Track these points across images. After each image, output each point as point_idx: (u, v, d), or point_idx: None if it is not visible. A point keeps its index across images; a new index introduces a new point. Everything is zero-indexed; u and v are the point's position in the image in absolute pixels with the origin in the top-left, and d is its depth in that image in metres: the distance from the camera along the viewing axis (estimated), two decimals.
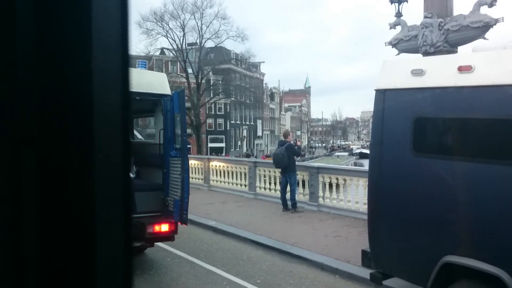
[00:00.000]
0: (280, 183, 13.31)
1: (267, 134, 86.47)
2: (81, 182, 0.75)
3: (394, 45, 10.17)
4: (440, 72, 5.25)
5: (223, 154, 58.68)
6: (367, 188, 6.95)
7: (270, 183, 14.79)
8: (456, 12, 9.50)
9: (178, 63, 51.12)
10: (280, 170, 12.81)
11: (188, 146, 9.77)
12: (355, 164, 56.06)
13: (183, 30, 46.04)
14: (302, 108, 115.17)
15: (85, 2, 0.73)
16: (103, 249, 0.77)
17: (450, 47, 9.12)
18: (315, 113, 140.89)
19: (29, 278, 0.74)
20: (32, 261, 0.74)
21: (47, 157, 0.74)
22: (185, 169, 7.29)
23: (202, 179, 17.74)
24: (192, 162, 17.22)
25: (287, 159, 12.15)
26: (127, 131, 0.83)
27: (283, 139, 13.06)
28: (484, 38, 8.67)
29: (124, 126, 0.80)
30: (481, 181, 4.74)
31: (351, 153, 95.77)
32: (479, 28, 8.64)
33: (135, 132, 10.69)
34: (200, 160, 18.46)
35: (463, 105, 4.99)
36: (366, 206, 6.87)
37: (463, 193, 4.91)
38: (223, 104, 65.79)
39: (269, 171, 14.75)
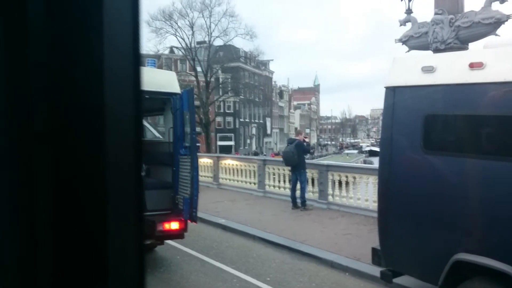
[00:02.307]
0: (289, 181, 13.32)
1: (276, 132, 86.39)
2: (93, 180, 0.76)
3: (404, 42, 10.11)
4: (451, 69, 5.21)
5: (232, 152, 58.74)
6: (377, 185, 6.92)
7: (279, 181, 14.78)
8: (467, 8, 9.43)
9: (187, 62, 51.21)
10: (289, 168, 12.81)
11: (198, 144, 9.79)
12: (365, 162, 55.85)
13: (192, 29, 46.11)
14: (311, 106, 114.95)
15: (97, 1, 0.73)
16: (116, 246, 0.78)
17: (461, 43, 9.05)
18: (324, 111, 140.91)
19: (42, 275, 0.75)
20: (44, 257, 0.75)
21: (60, 155, 0.75)
22: (195, 167, 7.31)
23: (211, 177, 17.78)
24: (202, 160, 17.26)
25: (297, 157, 12.15)
26: (139, 129, 0.83)
27: (293, 137, 13.07)
28: (496, 35, 8.60)
29: (136, 124, 0.81)
30: (493, 178, 4.71)
31: (361, 151, 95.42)
32: (490, 25, 8.57)
33: (153, 130, 10.72)
34: (210, 158, 18.51)
35: (474, 102, 4.95)
36: (376, 204, 6.85)
37: (474, 190, 4.88)
38: (232, 102, 65.85)
39: (278, 169, 14.74)
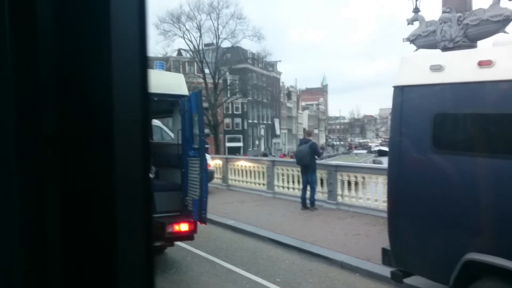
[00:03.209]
0: (298, 181, 13.32)
1: (285, 133, 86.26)
2: (102, 182, 0.76)
3: (412, 41, 10.07)
4: (459, 67, 5.18)
5: (241, 153, 58.73)
6: (386, 185, 6.89)
7: (288, 182, 14.76)
8: (475, 6, 9.37)
9: (195, 64, 51.34)
10: (300, 168, 12.79)
11: (206, 146, 9.81)
12: (374, 162, 55.58)
13: (200, 31, 46.25)
14: (320, 106, 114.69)
15: (104, 5, 0.74)
16: (125, 248, 0.78)
17: (469, 42, 8.99)
18: (332, 111, 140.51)
19: (52, 277, 0.76)
20: (54, 259, 0.75)
21: (68, 157, 0.76)
22: (203, 168, 7.32)
23: (220, 179, 17.80)
24: (211, 162, 17.28)
25: (309, 157, 12.19)
26: (146, 131, 0.84)
27: (306, 138, 13.09)
28: (505, 32, 8.53)
29: (143, 126, 0.81)
30: (503, 177, 4.67)
31: (370, 151, 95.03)
32: (499, 22, 8.50)
33: (170, 132, 10.79)
34: (219, 160, 18.52)
35: (484, 100, 4.92)
36: (386, 204, 6.82)
37: (485, 189, 4.84)
38: (240, 104, 65.85)
39: (287, 170, 14.72)
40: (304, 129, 16.31)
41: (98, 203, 0.76)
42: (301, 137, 14.32)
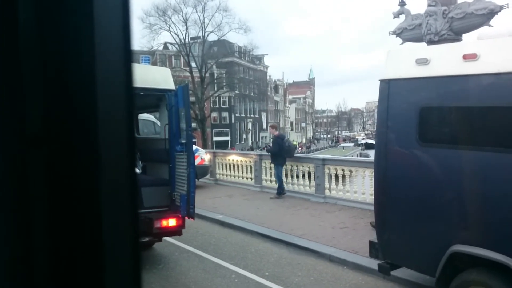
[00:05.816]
0: (286, 175, 13.61)
1: None
2: (87, 180, 0.76)
3: (398, 35, 10.13)
4: (445, 60, 5.22)
5: (228, 147, 58.70)
6: (373, 178, 6.94)
7: None
8: None
9: (182, 57, 51.14)
10: (282, 161, 13.34)
11: (194, 140, 9.78)
12: (361, 155, 55.97)
13: (186, 24, 46.12)
14: (307, 99, 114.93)
15: (87, 1, 0.73)
16: (111, 245, 0.78)
17: (454, 35, 9.07)
18: (320, 105, 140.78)
19: (38, 276, 0.75)
20: (41, 258, 0.75)
21: (53, 157, 0.75)
22: (191, 163, 7.30)
23: (208, 173, 17.75)
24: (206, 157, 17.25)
25: None
26: (131, 127, 0.83)
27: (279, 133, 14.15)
28: (489, 25, 8.62)
29: (128, 122, 0.81)
30: (489, 170, 4.73)
31: (357, 144, 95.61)
32: (484, 15, 8.59)
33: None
34: (207, 154, 18.48)
35: (469, 93, 4.96)
36: (373, 197, 6.87)
37: (470, 182, 4.89)
38: (227, 98, 65.77)
39: None
40: (273, 125, 16.28)
41: (83, 202, 0.76)
42: (288, 130, 14.66)
